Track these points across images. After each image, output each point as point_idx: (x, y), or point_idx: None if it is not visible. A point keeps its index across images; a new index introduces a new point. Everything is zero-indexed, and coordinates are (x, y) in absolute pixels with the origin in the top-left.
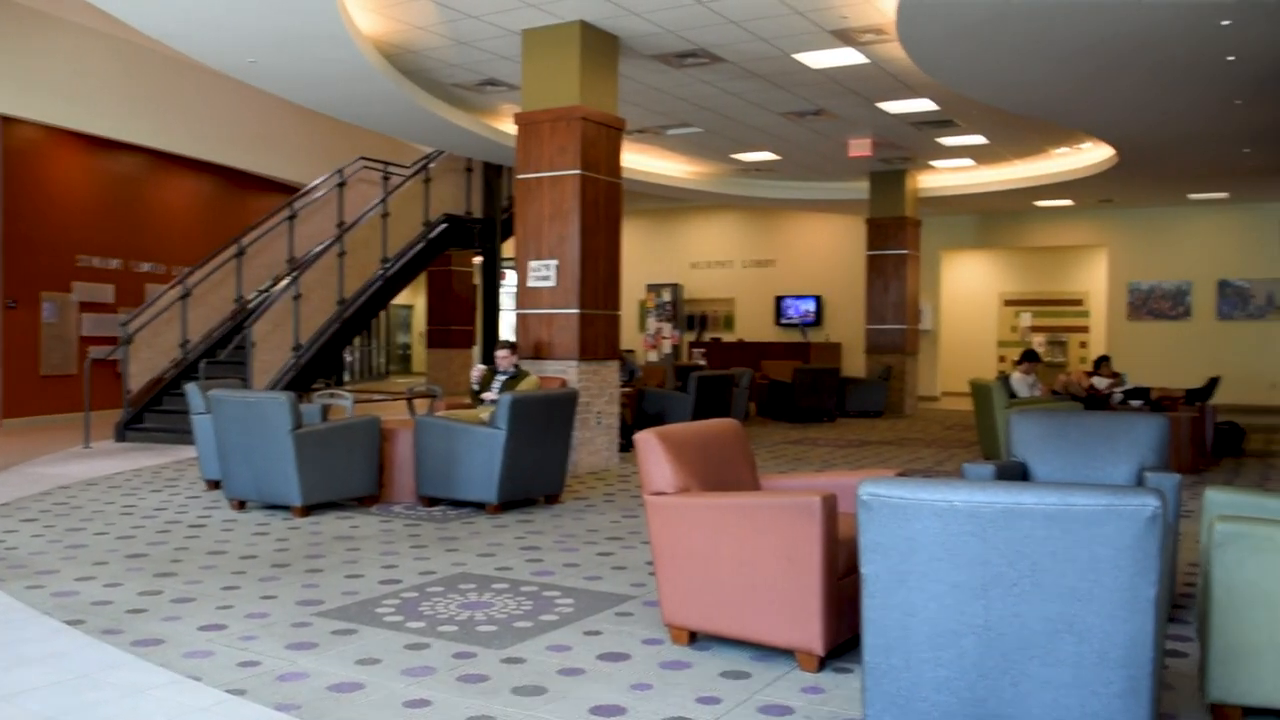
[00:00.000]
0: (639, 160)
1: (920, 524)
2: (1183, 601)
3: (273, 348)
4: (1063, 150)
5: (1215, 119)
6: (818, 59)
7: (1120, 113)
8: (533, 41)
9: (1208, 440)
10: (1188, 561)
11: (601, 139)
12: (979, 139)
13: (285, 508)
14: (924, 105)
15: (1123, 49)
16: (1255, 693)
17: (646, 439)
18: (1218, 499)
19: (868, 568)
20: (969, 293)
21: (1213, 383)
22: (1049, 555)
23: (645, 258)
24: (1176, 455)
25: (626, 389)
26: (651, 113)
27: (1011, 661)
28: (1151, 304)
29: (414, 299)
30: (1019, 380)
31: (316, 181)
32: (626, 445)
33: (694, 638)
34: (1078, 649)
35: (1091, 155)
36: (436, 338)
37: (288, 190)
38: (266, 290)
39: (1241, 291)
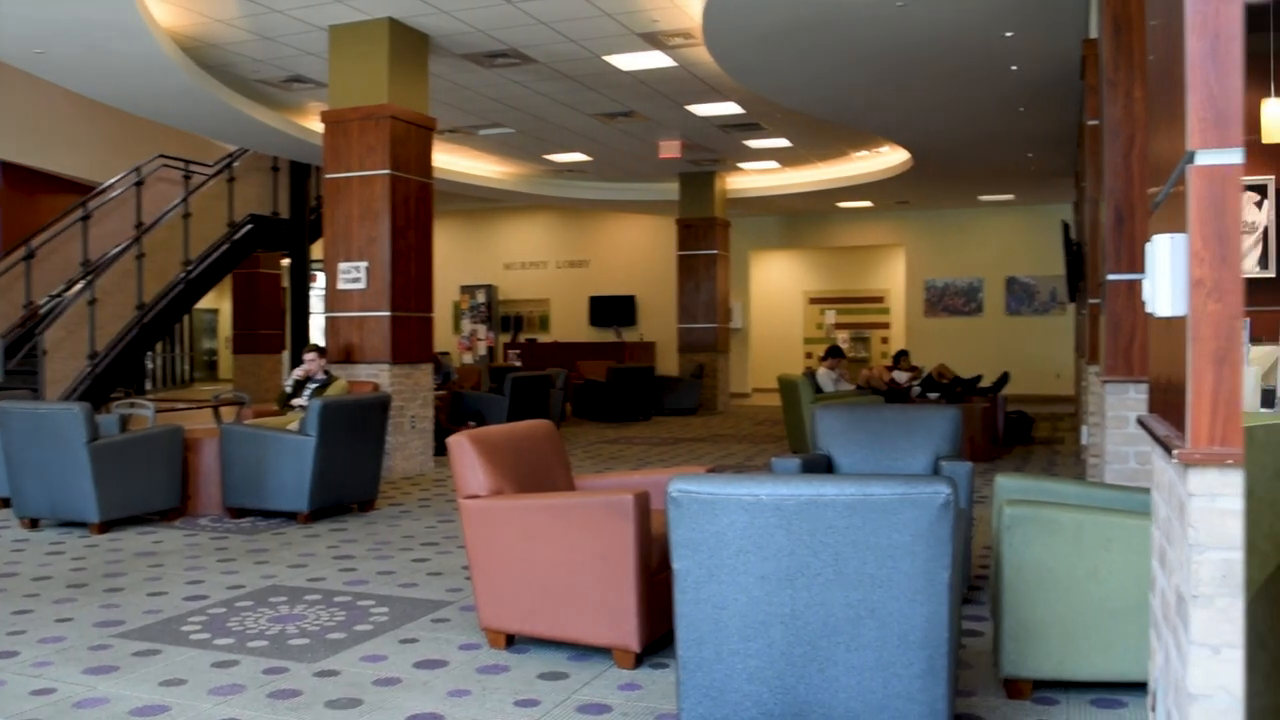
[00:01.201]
0: (451, 160)
1: (728, 518)
2: (979, 583)
3: (67, 356)
4: (862, 154)
5: (1001, 125)
6: (628, 61)
7: (914, 118)
8: (340, 38)
9: (999, 429)
10: (982, 545)
11: (412, 138)
12: (783, 142)
13: (82, 525)
14: (731, 109)
15: (914, 57)
16: (1044, 666)
17: (459, 442)
18: (1007, 484)
19: (679, 563)
20: (776, 291)
21: (1003, 378)
22: (850, 544)
23: (459, 259)
24: (970, 444)
25: (441, 392)
26: (463, 112)
27: (818, 648)
28: (946, 300)
29: (220, 303)
30: (824, 375)
31: (113, 180)
32: (442, 449)
33: (511, 641)
34: (880, 633)
35: (889, 159)
36: (243, 343)
37: (82, 189)
38: (59, 295)
39: (1028, 288)
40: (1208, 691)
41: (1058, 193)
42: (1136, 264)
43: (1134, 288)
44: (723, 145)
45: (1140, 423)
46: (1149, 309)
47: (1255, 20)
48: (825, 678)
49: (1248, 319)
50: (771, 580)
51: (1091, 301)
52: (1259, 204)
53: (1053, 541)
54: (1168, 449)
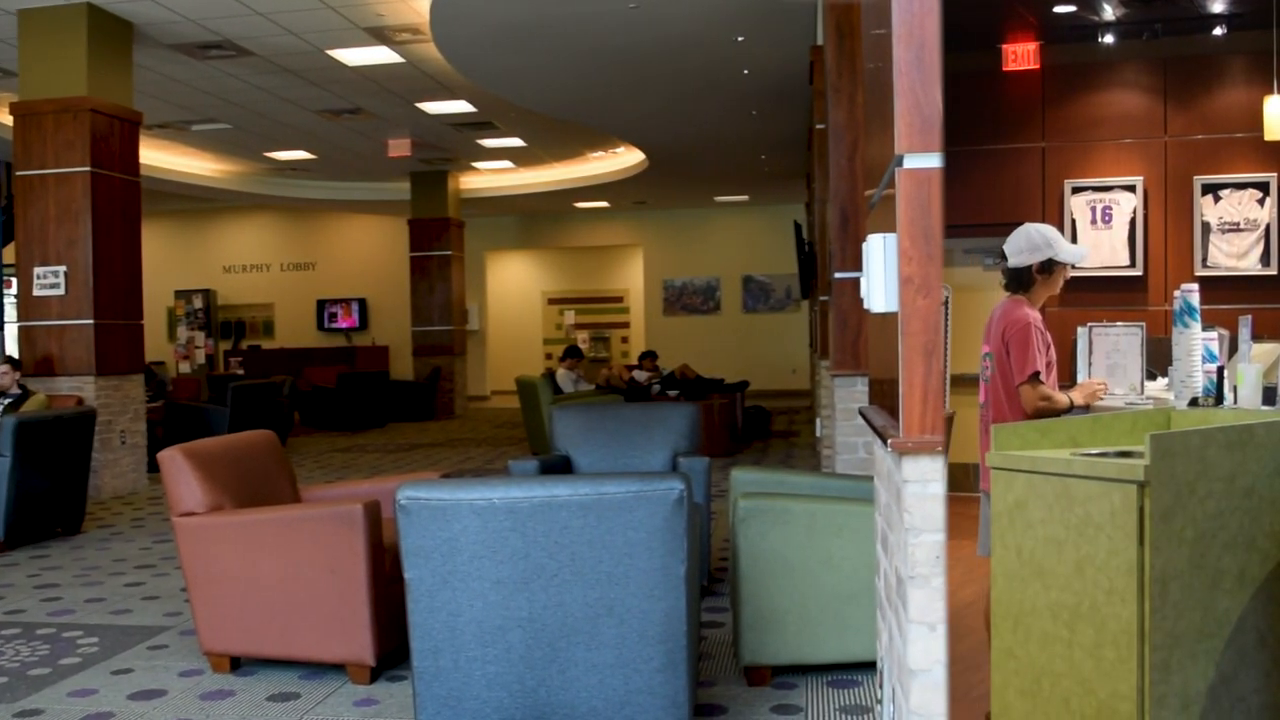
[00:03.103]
0: (161, 157)
1: (461, 524)
2: (720, 576)
3: None
4: (598, 154)
5: (735, 127)
6: (353, 56)
7: (648, 119)
8: (31, 23)
9: (738, 424)
10: (722, 538)
11: (115, 133)
12: (518, 141)
13: None
14: (462, 107)
15: (648, 59)
16: (783, 652)
17: (171, 457)
18: (743, 478)
19: (411, 572)
20: (514, 292)
21: (743, 384)
22: (586, 544)
23: (174, 262)
24: (710, 439)
25: (155, 404)
26: (174, 106)
27: (558, 650)
28: (685, 299)
29: None
30: (564, 376)
31: None
32: (157, 465)
33: (237, 664)
34: (619, 630)
35: (625, 159)
36: None
37: None
38: None
39: (764, 286)
40: (926, 666)
41: (791, 194)
42: (860, 263)
43: (858, 285)
44: (455, 144)
45: (861, 414)
46: (866, 305)
47: (1257, 18)
48: (566, 678)
49: (1249, 315)
50: (508, 584)
51: (822, 299)
52: (1261, 201)
53: (787, 531)
54: (884, 438)
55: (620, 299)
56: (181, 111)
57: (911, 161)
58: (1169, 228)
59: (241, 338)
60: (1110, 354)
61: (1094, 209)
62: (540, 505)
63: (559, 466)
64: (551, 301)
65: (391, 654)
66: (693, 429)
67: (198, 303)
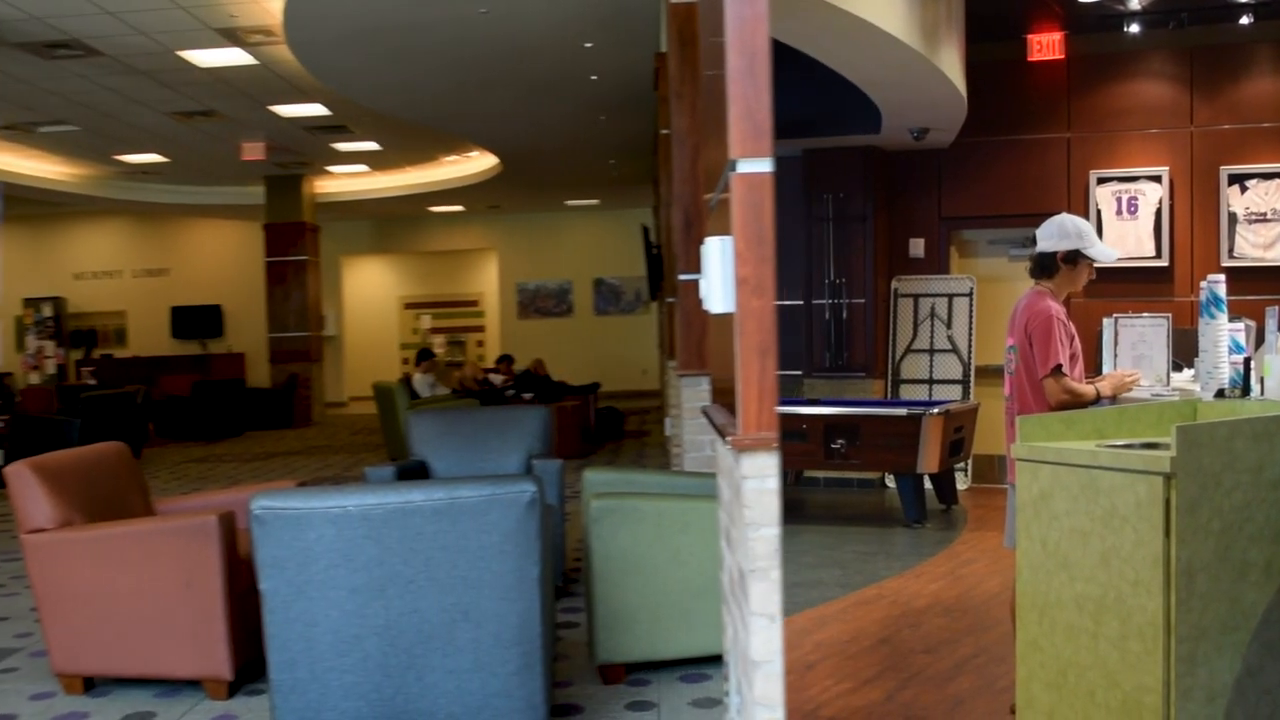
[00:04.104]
0: (7, 160)
1: (315, 533)
2: (575, 576)
3: None
4: (453, 158)
5: (585, 132)
6: (205, 57)
7: (501, 123)
8: None
9: (591, 425)
10: (577, 539)
11: None
12: (373, 145)
13: None
14: (316, 110)
15: (499, 64)
16: (636, 649)
17: (18, 471)
18: (595, 478)
19: (266, 583)
20: (371, 297)
21: (594, 385)
22: (441, 549)
23: (19, 269)
24: (564, 441)
25: (2, 417)
26: (19, 108)
27: (415, 656)
28: (538, 302)
29: None
30: (420, 380)
31: None
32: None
33: (91, 684)
34: (475, 634)
35: (479, 163)
36: None
37: None
38: None
39: (615, 289)
40: (768, 657)
41: (639, 198)
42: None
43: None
44: (310, 148)
45: (704, 412)
46: (705, 306)
47: (1273, 9)
48: (424, 685)
49: (1276, 306)
50: (363, 592)
51: (669, 300)
52: None
53: (637, 530)
54: (724, 435)
55: (475, 303)
56: (27, 113)
57: (745, 166)
58: (1195, 218)
59: (93, 347)
60: (1136, 345)
61: (1119, 200)
62: (395, 511)
63: (416, 472)
64: (408, 306)
65: (250, 668)
66: (546, 431)
67: (47, 311)
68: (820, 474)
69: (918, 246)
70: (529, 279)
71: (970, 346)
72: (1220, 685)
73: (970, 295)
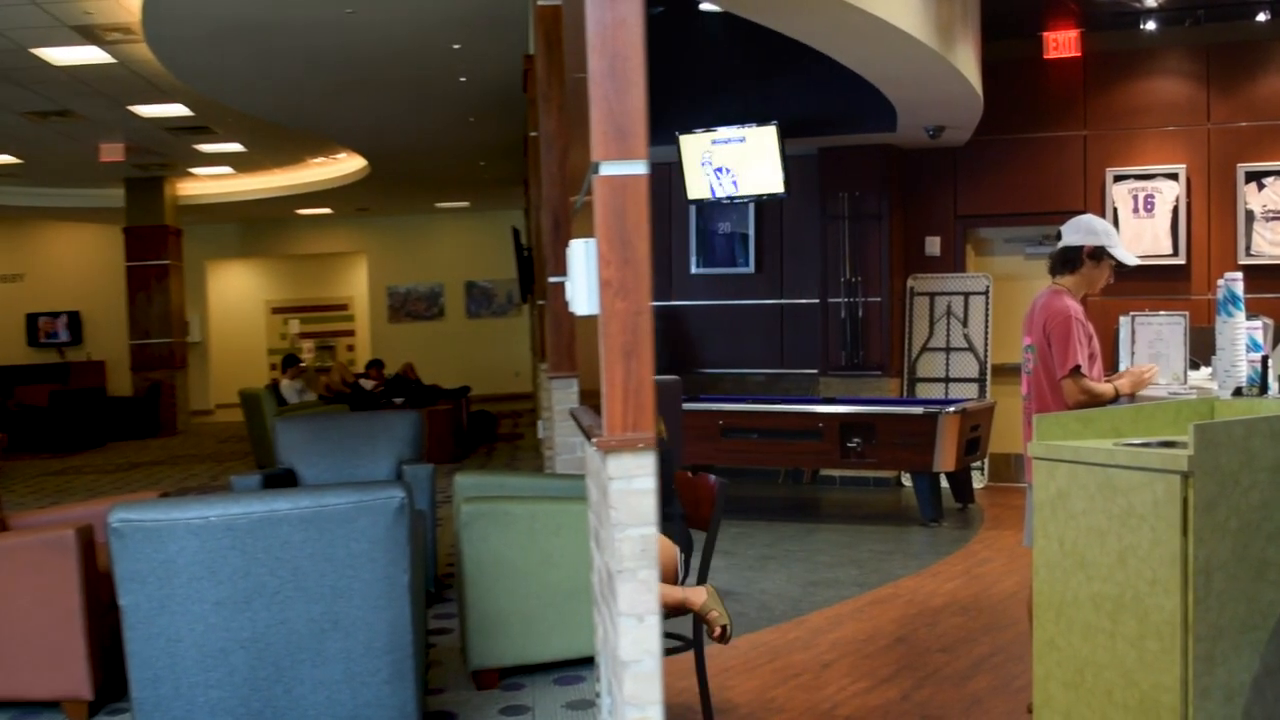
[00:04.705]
0: None
1: (177, 545)
2: (449, 582)
3: None
4: (320, 160)
5: (454, 134)
6: (60, 55)
7: (368, 125)
8: None
9: (464, 429)
10: (450, 544)
11: None
12: (237, 146)
13: None
14: (178, 110)
15: (365, 64)
16: (509, 654)
17: None
18: (466, 483)
19: (126, 598)
20: (237, 302)
21: (465, 389)
22: (308, 558)
23: None
24: (438, 446)
25: None
26: None
27: (283, 669)
28: (409, 306)
29: None
30: (287, 387)
31: None
32: None
33: None
34: (345, 644)
35: (347, 165)
36: None
37: None
38: None
39: (487, 291)
40: (636, 657)
41: (511, 200)
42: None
43: None
44: (171, 149)
45: (572, 414)
46: (571, 308)
47: None
48: (293, 698)
49: None
50: (228, 605)
51: (540, 303)
52: None
53: (508, 533)
54: (590, 437)
55: (345, 307)
56: None
57: (607, 169)
58: (1212, 216)
59: None
60: (1153, 343)
61: (1136, 197)
62: (260, 521)
63: (283, 480)
64: (276, 310)
65: (111, 687)
66: (417, 436)
67: None
68: (836, 473)
69: (933, 244)
70: (400, 282)
71: (986, 345)
72: (1238, 684)
73: (986, 293)
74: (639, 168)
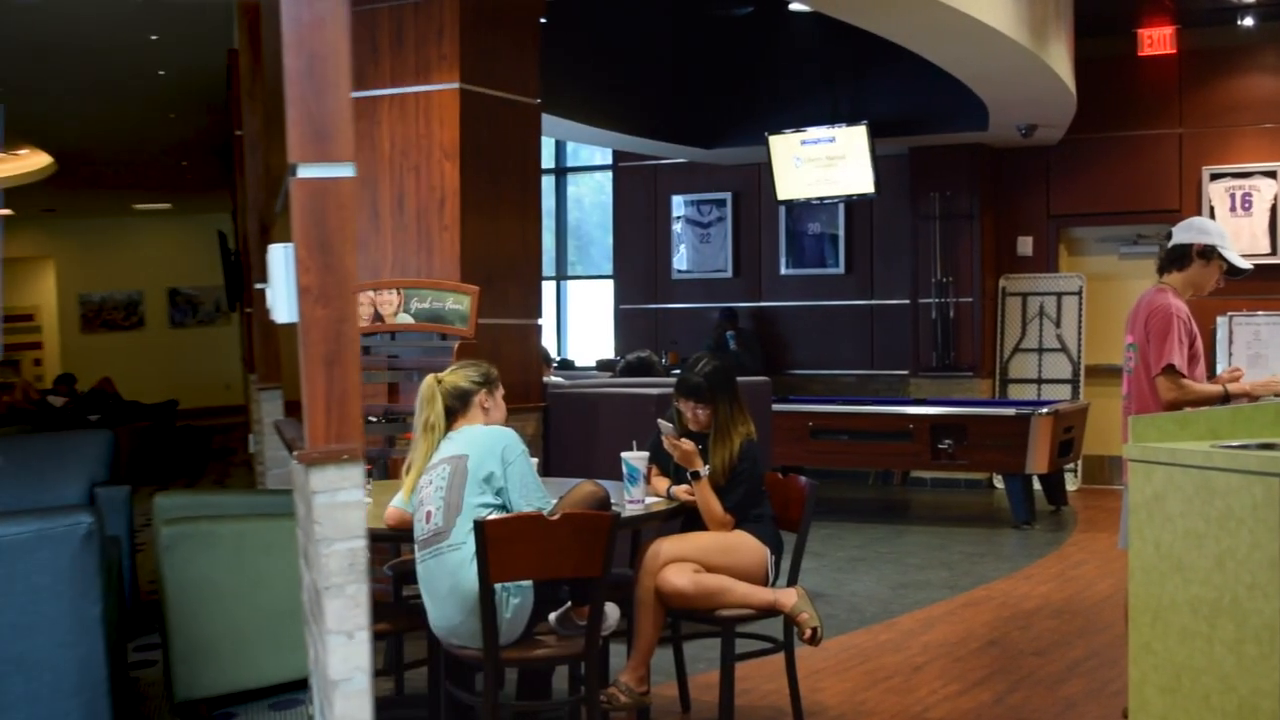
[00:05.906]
0: None
1: None
2: (153, 610)
3: None
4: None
5: (153, 131)
6: None
7: (55, 119)
8: None
9: (168, 446)
10: (151, 570)
11: None
12: None
13: None
14: None
15: (53, 55)
16: (220, 682)
17: None
18: (167, 503)
19: None
20: None
21: (172, 403)
22: None
23: None
24: (140, 466)
25: None
26: None
27: None
28: (105, 315)
29: None
30: None
31: None
32: None
33: None
34: (29, 687)
35: (29, 162)
36: None
37: None
38: None
39: (191, 299)
40: (346, 675)
41: (217, 202)
42: None
43: None
44: None
45: (275, 427)
46: (271, 315)
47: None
48: None
49: None
50: None
51: (249, 311)
52: None
53: (214, 555)
54: (292, 450)
55: (31, 317)
56: None
57: (305, 171)
58: None
59: None
60: (1251, 344)
61: (1233, 196)
62: None
63: None
64: None
65: None
66: (112, 455)
67: None
68: (927, 474)
69: (1026, 244)
70: (94, 289)
71: (1080, 345)
72: None
73: (1080, 294)
74: (342, 170)
